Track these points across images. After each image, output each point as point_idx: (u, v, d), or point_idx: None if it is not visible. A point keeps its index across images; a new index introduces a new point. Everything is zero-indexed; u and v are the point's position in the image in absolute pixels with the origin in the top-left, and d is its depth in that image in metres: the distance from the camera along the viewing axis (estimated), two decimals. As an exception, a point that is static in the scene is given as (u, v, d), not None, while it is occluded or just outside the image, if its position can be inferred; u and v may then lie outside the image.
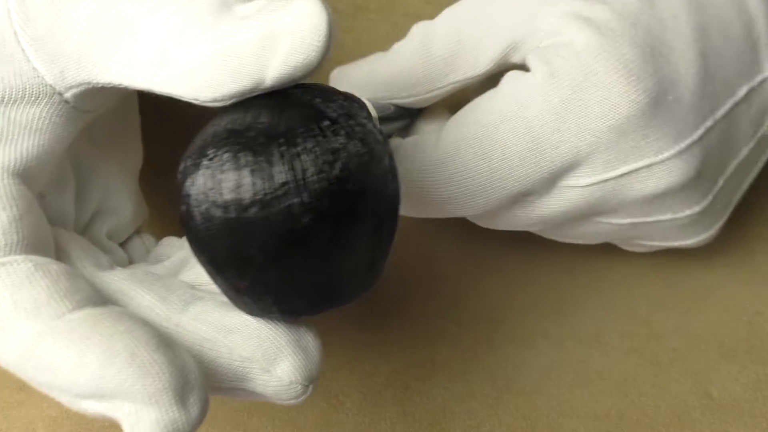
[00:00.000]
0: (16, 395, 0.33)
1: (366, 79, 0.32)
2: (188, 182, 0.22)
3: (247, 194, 0.22)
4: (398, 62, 0.32)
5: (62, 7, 0.24)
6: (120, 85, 0.24)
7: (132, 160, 0.30)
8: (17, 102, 0.24)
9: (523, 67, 0.31)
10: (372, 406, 0.34)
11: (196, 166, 0.22)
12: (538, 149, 0.29)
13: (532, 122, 0.29)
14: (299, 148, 0.22)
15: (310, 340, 0.25)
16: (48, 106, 0.25)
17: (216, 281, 0.24)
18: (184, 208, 0.23)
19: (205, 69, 0.23)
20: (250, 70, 0.22)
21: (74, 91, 0.25)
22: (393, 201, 0.24)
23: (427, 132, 0.32)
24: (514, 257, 0.37)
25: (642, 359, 0.35)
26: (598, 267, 0.37)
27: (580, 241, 0.34)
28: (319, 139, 0.22)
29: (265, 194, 0.22)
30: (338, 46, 0.40)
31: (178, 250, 0.29)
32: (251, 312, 0.24)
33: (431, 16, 0.42)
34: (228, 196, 0.22)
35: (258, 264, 0.22)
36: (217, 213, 0.22)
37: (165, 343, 0.22)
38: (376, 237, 0.23)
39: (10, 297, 0.22)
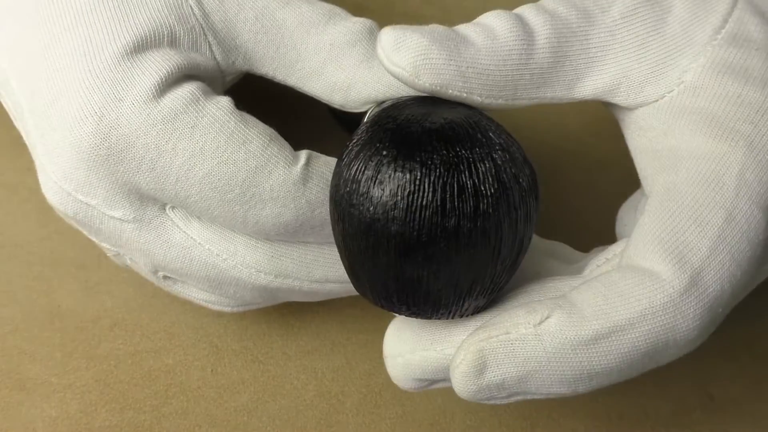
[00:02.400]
0: (16, 395, 0.33)
1: (449, 60, 0.26)
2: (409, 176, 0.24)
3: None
4: (495, 55, 0.26)
5: (230, 8, 0.29)
6: (274, 78, 0.30)
7: None
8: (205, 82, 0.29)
9: (636, 117, 0.28)
10: (372, 406, 0.34)
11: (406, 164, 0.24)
12: None
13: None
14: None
15: None
16: (215, 86, 0.29)
17: (379, 264, 0.24)
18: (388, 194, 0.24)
19: (361, 89, 0.29)
20: (403, 89, 0.28)
21: (233, 76, 0.30)
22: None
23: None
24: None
25: (642, 359, 0.35)
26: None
27: None
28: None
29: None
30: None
31: None
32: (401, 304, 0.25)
33: (431, 16, 0.42)
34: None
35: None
36: (448, 223, 0.23)
37: None
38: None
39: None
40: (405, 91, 0.28)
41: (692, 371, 0.35)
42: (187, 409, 0.33)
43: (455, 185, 0.23)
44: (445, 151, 0.23)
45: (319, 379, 0.34)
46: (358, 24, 0.29)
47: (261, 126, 0.28)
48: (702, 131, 0.26)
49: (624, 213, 0.31)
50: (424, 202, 0.23)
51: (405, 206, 0.23)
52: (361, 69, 0.29)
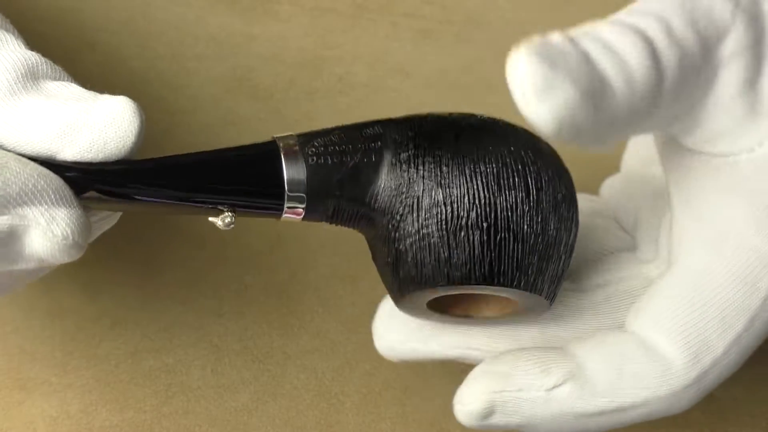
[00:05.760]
0: (16, 395, 0.33)
1: (591, 121, 0.22)
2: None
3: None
4: (628, 106, 0.23)
5: None
6: None
7: None
8: None
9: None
10: (372, 406, 0.34)
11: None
12: None
13: None
14: None
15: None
16: None
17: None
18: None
19: None
20: (38, 150, 0.23)
21: None
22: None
23: None
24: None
25: (642, 359, 0.35)
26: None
27: None
28: None
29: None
30: (338, 46, 0.41)
31: None
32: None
33: (431, 16, 0.42)
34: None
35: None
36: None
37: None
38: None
39: None
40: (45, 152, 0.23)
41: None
42: (188, 408, 0.33)
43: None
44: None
45: (319, 379, 0.34)
46: (14, 55, 0.24)
47: None
48: (759, 223, 0.25)
49: (621, 201, 0.31)
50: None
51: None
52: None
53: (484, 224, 0.24)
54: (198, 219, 0.37)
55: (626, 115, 0.23)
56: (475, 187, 0.24)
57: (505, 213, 0.25)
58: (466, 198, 0.24)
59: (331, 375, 0.34)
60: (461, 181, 0.25)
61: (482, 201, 0.24)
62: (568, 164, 0.27)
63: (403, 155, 0.25)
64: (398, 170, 0.25)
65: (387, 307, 0.29)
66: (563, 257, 0.26)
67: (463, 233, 0.24)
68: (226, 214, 0.24)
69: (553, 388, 0.25)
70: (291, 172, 0.24)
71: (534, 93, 0.21)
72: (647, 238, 0.29)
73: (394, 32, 0.41)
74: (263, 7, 0.40)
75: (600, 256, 0.30)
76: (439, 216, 0.24)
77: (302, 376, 0.34)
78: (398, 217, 0.25)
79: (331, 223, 0.26)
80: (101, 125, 0.23)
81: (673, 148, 0.27)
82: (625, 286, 0.28)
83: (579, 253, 0.29)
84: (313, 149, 0.24)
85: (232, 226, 0.24)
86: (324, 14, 0.41)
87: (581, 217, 0.29)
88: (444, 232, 0.24)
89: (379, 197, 0.25)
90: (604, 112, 0.22)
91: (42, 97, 0.23)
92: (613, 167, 0.36)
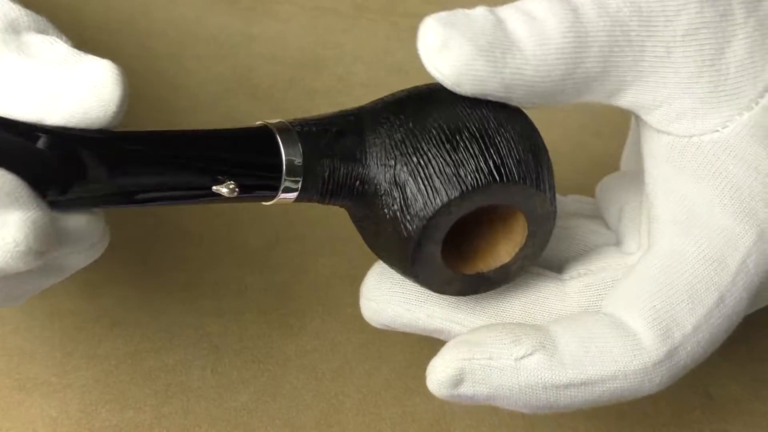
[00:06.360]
0: (16, 395, 0.33)
1: (494, 73, 0.24)
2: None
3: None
4: (542, 66, 0.24)
5: None
6: None
7: None
8: None
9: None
10: (372, 406, 0.34)
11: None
12: None
13: None
14: None
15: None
16: None
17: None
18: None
19: None
20: (24, 114, 0.22)
21: None
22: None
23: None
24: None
25: (642, 359, 0.35)
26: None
27: None
28: None
29: None
30: (338, 46, 0.41)
31: None
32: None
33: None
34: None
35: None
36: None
37: None
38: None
39: None
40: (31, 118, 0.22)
41: (692, 371, 0.35)
42: (187, 408, 0.33)
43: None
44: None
45: (319, 379, 0.34)
46: None
47: None
48: (724, 202, 0.26)
49: (610, 198, 0.31)
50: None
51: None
52: None
53: (478, 134, 0.25)
54: (198, 220, 0.37)
55: (541, 75, 0.24)
56: (460, 107, 0.25)
57: (493, 122, 0.25)
58: (455, 116, 0.25)
59: (331, 375, 0.34)
60: (445, 106, 0.25)
61: (470, 115, 0.25)
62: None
63: (382, 115, 0.26)
64: (382, 125, 0.26)
65: (377, 270, 0.28)
66: (550, 166, 0.27)
67: (461, 146, 0.25)
68: (229, 181, 0.24)
69: (523, 357, 0.25)
70: (285, 142, 0.25)
71: (432, 50, 0.24)
72: (631, 231, 0.29)
73: (394, 32, 0.41)
74: (263, 7, 0.40)
75: (583, 252, 0.30)
76: (435, 139, 0.25)
77: (302, 376, 0.34)
78: (393, 162, 0.25)
79: (323, 200, 0.26)
80: (82, 93, 0.22)
81: (646, 132, 0.27)
82: (608, 275, 0.28)
83: (563, 250, 0.30)
84: (298, 122, 0.26)
85: (237, 192, 0.24)
86: (324, 14, 0.41)
87: (565, 219, 0.30)
88: (444, 150, 0.25)
89: (369, 151, 0.26)
90: (509, 69, 0.24)
91: (23, 58, 0.22)
92: (615, 169, 0.36)
